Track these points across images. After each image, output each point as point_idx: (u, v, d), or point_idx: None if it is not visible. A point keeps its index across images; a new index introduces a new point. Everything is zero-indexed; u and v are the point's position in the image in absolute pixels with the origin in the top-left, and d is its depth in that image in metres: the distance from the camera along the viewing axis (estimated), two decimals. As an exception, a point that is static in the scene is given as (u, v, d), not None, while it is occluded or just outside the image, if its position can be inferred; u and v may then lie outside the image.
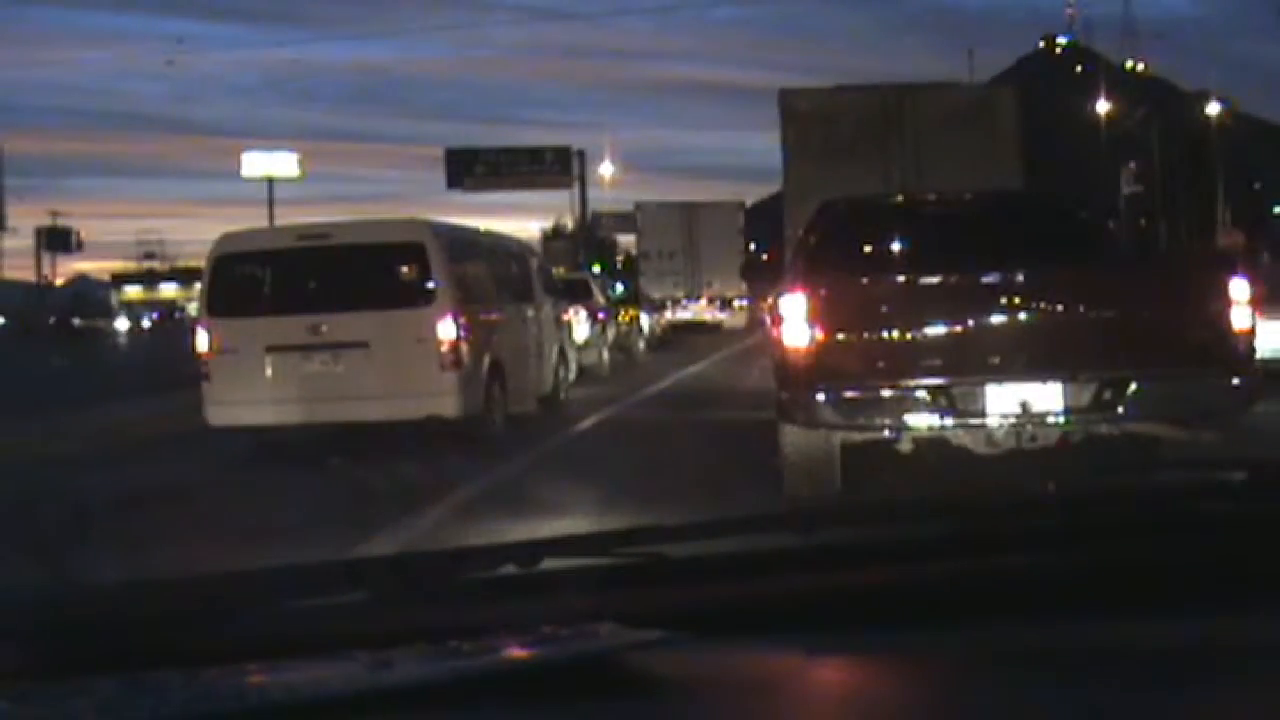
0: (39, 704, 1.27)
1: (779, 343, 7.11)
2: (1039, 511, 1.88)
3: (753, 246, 44.90)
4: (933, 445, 7.21)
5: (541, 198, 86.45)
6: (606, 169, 61.03)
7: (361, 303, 11.17)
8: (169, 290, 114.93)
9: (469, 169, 47.25)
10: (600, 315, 21.32)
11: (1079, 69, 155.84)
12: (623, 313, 25.36)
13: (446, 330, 10.96)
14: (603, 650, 1.32)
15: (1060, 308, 7.04)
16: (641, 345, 26.31)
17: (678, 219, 40.30)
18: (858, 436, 7.21)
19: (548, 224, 76.45)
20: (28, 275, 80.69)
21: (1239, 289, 6.82)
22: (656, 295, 35.55)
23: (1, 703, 1.25)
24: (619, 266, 66.45)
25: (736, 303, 38.07)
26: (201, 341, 11.29)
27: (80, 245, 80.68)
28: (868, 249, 8.91)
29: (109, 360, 40.70)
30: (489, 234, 14.27)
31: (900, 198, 11.01)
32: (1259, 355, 6.99)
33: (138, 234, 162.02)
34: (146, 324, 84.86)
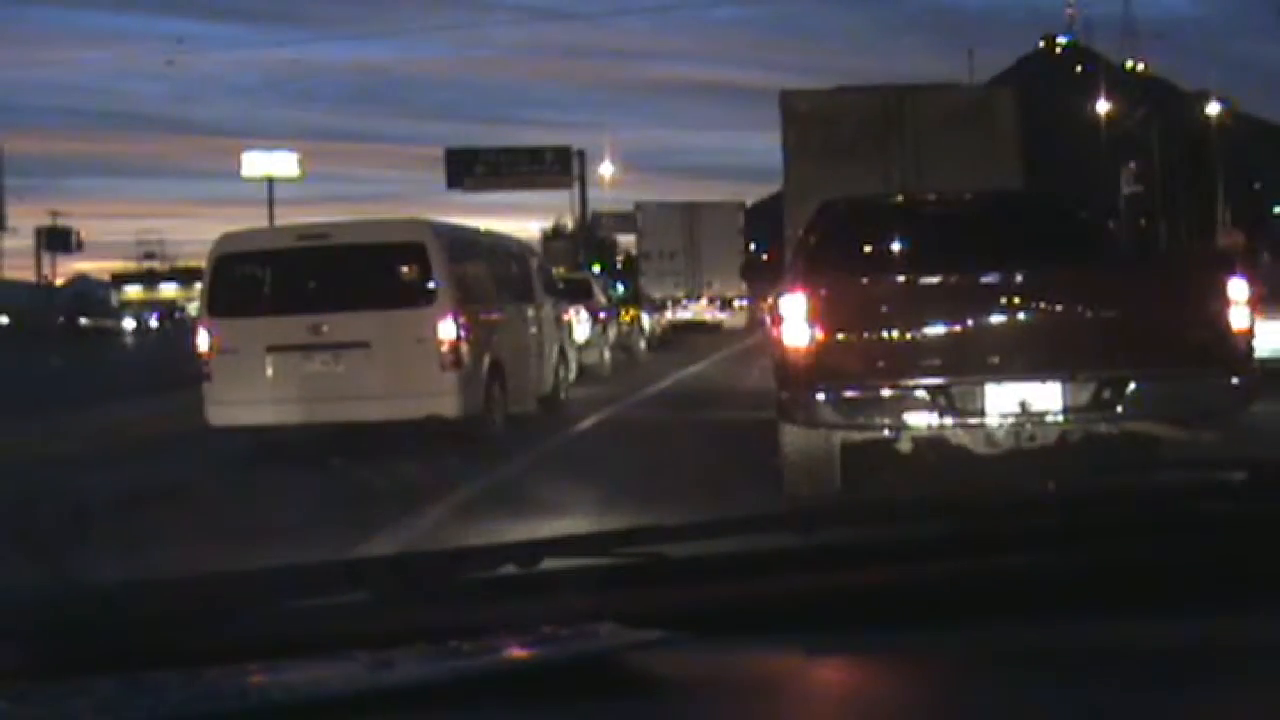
0: (38, 704, 1.27)
1: (779, 342, 7.11)
2: (1039, 511, 1.87)
3: (753, 246, 44.95)
4: (932, 445, 7.22)
5: (541, 198, 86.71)
6: (606, 169, 61.18)
7: (362, 303, 11.17)
8: (169, 290, 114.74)
9: (469, 169, 47.31)
10: (602, 315, 21.36)
11: (1079, 69, 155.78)
12: (624, 312, 25.41)
13: (447, 330, 10.96)
14: (603, 650, 1.32)
15: (1060, 307, 7.04)
16: (642, 345, 26.33)
17: (678, 219, 40.32)
18: (857, 436, 7.22)
19: (548, 224, 76.56)
20: (28, 275, 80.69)
21: (1238, 289, 6.83)
22: (657, 295, 35.58)
23: (1, 703, 1.25)
24: (619, 266, 66.43)
25: (737, 303, 38.07)
26: (202, 341, 11.29)
27: (80, 245, 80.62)
28: (868, 249, 8.91)
29: (116, 359, 40.71)
30: (489, 234, 14.27)
31: (900, 198, 11.01)
32: (1258, 355, 7.00)
33: (138, 234, 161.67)
34: (154, 324, 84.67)
